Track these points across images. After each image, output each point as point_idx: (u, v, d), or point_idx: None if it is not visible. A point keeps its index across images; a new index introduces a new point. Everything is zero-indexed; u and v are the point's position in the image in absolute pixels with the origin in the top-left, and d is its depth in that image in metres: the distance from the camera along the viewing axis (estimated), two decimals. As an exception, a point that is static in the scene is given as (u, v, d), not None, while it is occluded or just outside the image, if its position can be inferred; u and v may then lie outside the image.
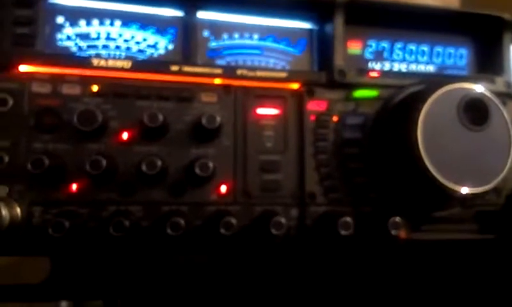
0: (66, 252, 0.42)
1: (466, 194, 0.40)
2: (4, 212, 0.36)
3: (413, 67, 0.51)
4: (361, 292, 0.60)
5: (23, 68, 0.41)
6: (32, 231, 0.39)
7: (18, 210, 0.38)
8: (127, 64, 0.42)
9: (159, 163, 0.38)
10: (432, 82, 0.42)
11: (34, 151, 0.38)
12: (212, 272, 0.60)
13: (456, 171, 0.40)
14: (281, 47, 0.48)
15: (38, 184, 0.39)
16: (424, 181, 0.40)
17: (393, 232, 0.41)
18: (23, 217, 0.38)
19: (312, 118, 0.45)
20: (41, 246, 0.40)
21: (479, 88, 0.41)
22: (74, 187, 0.39)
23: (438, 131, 0.40)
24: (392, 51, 0.51)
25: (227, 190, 0.42)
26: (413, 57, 0.51)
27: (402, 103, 0.43)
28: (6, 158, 0.38)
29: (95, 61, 0.41)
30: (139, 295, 0.52)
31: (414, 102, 0.41)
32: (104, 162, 0.37)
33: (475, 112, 0.41)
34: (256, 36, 0.48)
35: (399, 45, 0.51)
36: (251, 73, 0.44)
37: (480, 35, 0.52)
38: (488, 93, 0.42)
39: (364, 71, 0.46)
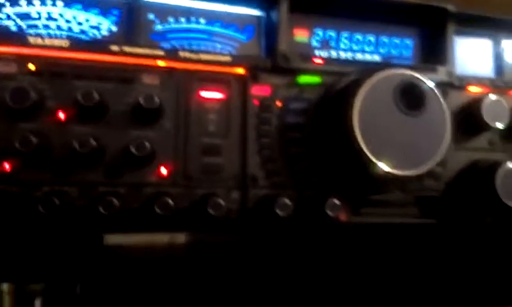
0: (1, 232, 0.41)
1: (400, 176, 0.41)
2: None
3: (359, 56, 0.52)
4: (306, 275, 0.61)
5: (-44, 44, 0.40)
6: (-38, 211, 0.38)
7: None
8: (65, 43, 0.41)
9: (93, 142, 0.38)
10: (371, 68, 0.43)
11: None
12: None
13: (391, 154, 0.41)
14: (228, 32, 0.49)
15: (-31, 163, 0.38)
16: (360, 164, 0.41)
17: (330, 213, 0.42)
18: (-47, 196, 0.38)
19: (256, 102, 0.45)
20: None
21: (415, 74, 0.43)
22: (7, 166, 0.39)
23: (374, 115, 0.41)
24: (338, 40, 0.52)
25: (168, 172, 0.42)
26: (359, 46, 0.52)
27: (342, 89, 0.44)
28: None
29: (32, 40, 0.41)
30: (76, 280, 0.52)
31: (352, 87, 0.42)
32: (35, 141, 0.37)
33: (411, 97, 0.42)
34: (203, 21, 0.48)
35: (345, 34, 0.52)
36: (194, 56, 0.44)
37: (426, 26, 0.53)
38: (424, 79, 0.43)
39: (308, 57, 0.47)
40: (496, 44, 0.57)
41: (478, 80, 0.53)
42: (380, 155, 0.40)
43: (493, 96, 0.50)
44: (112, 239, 0.67)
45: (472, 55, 0.56)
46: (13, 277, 0.49)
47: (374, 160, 0.40)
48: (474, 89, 0.53)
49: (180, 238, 0.69)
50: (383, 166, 0.40)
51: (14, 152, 0.38)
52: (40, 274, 0.49)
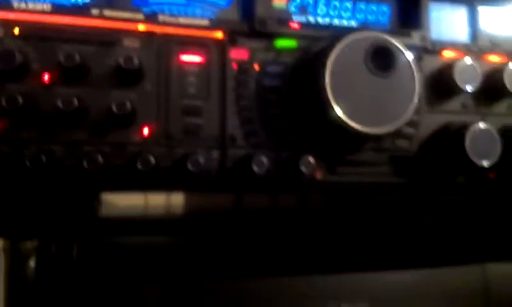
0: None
1: (369, 133, 0.43)
2: None
3: (336, 22, 0.54)
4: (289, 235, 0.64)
5: None
6: (-47, 168, 0.40)
7: None
8: (47, 7, 0.43)
9: (76, 102, 0.40)
10: (344, 31, 0.45)
11: None
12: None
13: (362, 113, 0.43)
14: (208, -2, 0.50)
15: (-42, 122, 0.40)
16: (332, 123, 0.43)
17: (305, 170, 0.45)
18: None
19: (234, 65, 0.47)
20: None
21: (385, 37, 0.44)
22: (-5, 125, 0.41)
23: (346, 76, 0.43)
24: (315, 6, 0.53)
25: (149, 132, 0.45)
26: (336, 12, 0.54)
27: (316, 52, 0.46)
28: None
29: (16, 4, 0.42)
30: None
31: (325, 49, 0.44)
32: (21, 100, 0.39)
33: (381, 59, 0.44)
34: (183, -13, 0.49)
35: (322, 0, 0.53)
36: (173, 21, 0.46)
37: (402, -8, 0.55)
38: (394, 42, 0.45)
39: (284, 22, 0.49)
40: (472, 10, 0.58)
41: (452, 45, 0.55)
42: (351, 113, 0.42)
43: (465, 61, 0.52)
44: (109, 199, 0.70)
45: (447, 21, 0.57)
46: (8, 234, 0.51)
47: (344, 118, 0.42)
48: (448, 54, 0.55)
49: (178, 198, 0.73)
50: (353, 124, 0.42)
51: (1, 112, 0.40)
52: (34, 232, 0.52)
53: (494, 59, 0.57)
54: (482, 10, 0.59)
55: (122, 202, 0.74)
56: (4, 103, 0.39)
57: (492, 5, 0.60)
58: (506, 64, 0.55)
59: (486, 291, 0.63)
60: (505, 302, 0.61)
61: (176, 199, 0.79)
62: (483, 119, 0.55)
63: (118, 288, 0.54)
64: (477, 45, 0.57)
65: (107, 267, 0.60)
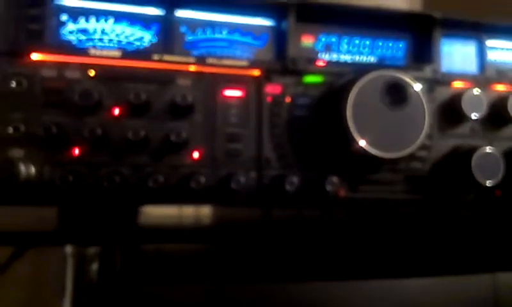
0: (71, 202, 0.52)
1: (386, 158, 0.50)
2: (22, 168, 0.46)
3: (357, 58, 0.61)
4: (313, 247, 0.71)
5: (34, 56, 0.51)
6: (43, 186, 0.49)
7: (33, 168, 0.49)
8: (117, 53, 0.52)
9: (141, 132, 0.49)
10: (364, 69, 0.52)
11: (44, 122, 0.49)
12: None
13: (380, 141, 0.51)
14: (246, 40, 0.58)
15: (48, 149, 0.49)
16: (353, 149, 0.51)
17: (329, 188, 0.52)
18: (36, 174, 0.49)
19: (269, 99, 0.55)
20: (51, 198, 0.50)
21: (399, 75, 0.52)
22: (76, 151, 0.50)
23: (365, 109, 0.51)
24: (339, 44, 0.61)
25: (199, 156, 0.53)
26: (357, 49, 0.61)
27: (339, 87, 0.53)
28: (22, 128, 0.49)
29: (92, 51, 0.52)
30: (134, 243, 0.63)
31: (347, 85, 0.51)
32: (99, 131, 0.48)
33: (396, 94, 0.51)
34: (225, 32, 0.58)
35: (345, 39, 0.61)
36: (218, 62, 0.55)
37: (415, 31, 0.62)
38: (407, 79, 0.52)
39: (312, 60, 0.57)
40: (480, 44, 0.65)
41: (462, 77, 0.62)
42: (371, 142, 0.50)
43: (472, 90, 0.59)
44: (147, 211, 0.79)
45: (457, 54, 0.64)
46: (75, 241, 0.60)
47: (365, 147, 0.50)
48: (458, 85, 0.62)
49: (205, 211, 0.82)
50: (373, 151, 0.50)
51: (83, 140, 0.49)
52: (98, 239, 0.61)
53: (500, 88, 0.64)
54: (490, 43, 0.66)
55: (158, 212, 0.84)
56: (86, 134, 0.48)
57: (499, 38, 0.66)
58: (510, 92, 0.61)
59: (495, 299, 0.68)
60: (513, 307, 0.67)
61: (205, 210, 0.88)
62: (490, 143, 0.61)
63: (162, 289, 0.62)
64: (484, 76, 0.64)
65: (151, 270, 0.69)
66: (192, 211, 0.88)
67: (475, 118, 0.58)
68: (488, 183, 0.55)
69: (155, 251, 0.80)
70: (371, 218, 0.70)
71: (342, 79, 0.54)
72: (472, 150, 0.57)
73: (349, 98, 0.50)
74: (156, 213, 0.80)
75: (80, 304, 0.61)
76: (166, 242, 0.79)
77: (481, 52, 0.65)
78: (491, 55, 0.66)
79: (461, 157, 0.58)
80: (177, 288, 0.60)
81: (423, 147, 0.57)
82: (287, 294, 0.60)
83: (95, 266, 0.61)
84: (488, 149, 0.57)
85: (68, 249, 0.60)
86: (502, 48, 0.66)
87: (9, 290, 0.81)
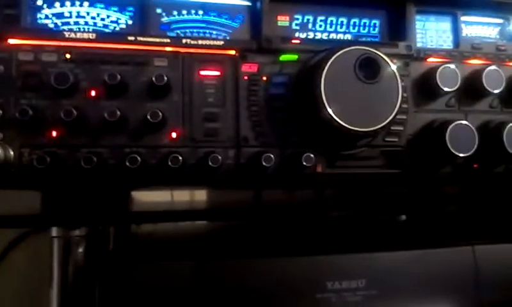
0: (51, 185, 0.53)
1: (358, 131, 0.51)
2: (0, 151, 0.47)
3: (333, 36, 0.62)
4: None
5: (11, 41, 0.51)
6: (22, 169, 0.50)
7: (11, 151, 0.49)
8: (92, 36, 0.52)
9: (118, 113, 0.50)
10: (337, 45, 0.53)
11: (21, 105, 0.49)
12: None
13: (352, 114, 0.51)
14: (222, 21, 0.59)
15: (26, 131, 0.50)
16: (327, 124, 0.52)
17: (306, 164, 0.53)
18: (15, 157, 0.50)
19: (245, 78, 0.56)
20: (31, 181, 0.51)
21: (371, 50, 0.52)
22: (54, 133, 0.50)
23: (338, 84, 0.52)
24: (315, 23, 0.61)
25: (177, 136, 0.54)
26: (333, 28, 0.62)
27: (314, 64, 0.54)
28: (0, 111, 0.49)
29: (67, 34, 0.52)
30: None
31: (320, 61, 0.52)
32: (75, 112, 0.49)
33: (368, 68, 0.52)
34: (201, 12, 0.58)
35: (321, 17, 0.62)
36: (194, 42, 0.55)
37: (390, 8, 0.63)
38: (379, 53, 0.53)
39: (287, 39, 0.57)
40: (454, 20, 0.66)
41: (436, 52, 0.63)
42: (342, 114, 0.51)
43: (446, 65, 0.60)
44: (139, 196, 0.81)
45: (432, 30, 0.65)
46: (61, 223, 0.61)
47: (335, 118, 0.50)
48: (433, 60, 0.63)
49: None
50: (344, 123, 0.50)
51: (59, 122, 0.49)
52: (83, 221, 0.62)
53: (475, 62, 0.64)
54: (465, 18, 0.67)
55: (150, 199, 0.85)
56: (62, 115, 0.49)
57: (474, 14, 0.67)
58: (485, 66, 0.62)
59: (475, 270, 0.70)
60: (492, 278, 0.68)
61: (200, 195, 0.90)
62: (466, 117, 0.63)
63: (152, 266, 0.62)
64: (459, 51, 0.65)
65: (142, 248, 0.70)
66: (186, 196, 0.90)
67: (450, 91, 0.59)
68: (462, 155, 0.56)
69: (146, 234, 0.82)
70: (352, 192, 0.72)
71: (316, 56, 0.55)
72: (447, 123, 0.58)
73: (323, 72, 0.51)
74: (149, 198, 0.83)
75: (67, 286, 0.62)
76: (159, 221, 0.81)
77: (456, 28, 0.66)
78: (466, 31, 0.66)
79: (436, 130, 0.59)
80: (164, 264, 0.61)
81: (398, 122, 0.58)
82: (269, 269, 0.61)
83: (81, 247, 0.62)
84: (462, 122, 0.58)
85: (54, 231, 0.61)
86: (477, 23, 0.67)
87: (2, 278, 0.83)
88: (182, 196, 0.91)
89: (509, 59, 0.65)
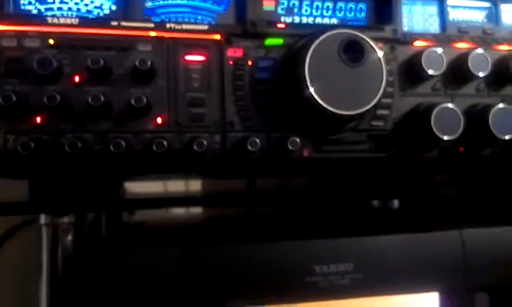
0: (37, 172, 0.53)
1: (342, 114, 0.51)
2: (-16, 138, 0.47)
3: (319, 20, 0.62)
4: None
5: (-7, 27, 0.51)
6: (8, 155, 0.50)
7: (-4, 137, 0.49)
8: (75, 21, 0.52)
9: (102, 98, 0.49)
10: (321, 29, 0.53)
11: (5, 91, 0.49)
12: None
13: (336, 97, 0.52)
14: (207, 5, 0.59)
15: (10, 118, 0.50)
16: (312, 108, 0.52)
17: (291, 148, 0.53)
18: (0, 143, 0.50)
19: (231, 62, 0.56)
20: (17, 168, 0.51)
21: (356, 33, 0.52)
22: (38, 119, 0.50)
23: (322, 67, 0.52)
24: (300, 7, 0.61)
25: (162, 121, 0.54)
26: (319, 12, 0.62)
27: (298, 47, 0.54)
28: (-16, 98, 0.49)
29: (50, 20, 0.52)
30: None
31: (305, 45, 0.52)
32: (58, 97, 0.48)
33: (352, 52, 0.52)
34: (186, -3, 0.58)
35: (306, 2, 0.61)
36: (179, 27, 0.55)
37: (376, -9, 0.63)
38: (364, 36, 0.53)
39: (272, 23, 0.57)
40: (441, 3, 0.65)
41: (422, 36, 0.63)
42: (325, 96, 0.51)
43: (432, 49, 0.60)
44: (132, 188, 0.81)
45: (418, 14, 0.65)
46: (49, 210, 0.61)
47: (317, 99, 0.51)
48: (420, 44, 0.63)
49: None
50: (326, 105, 0.51)
51: (43, 108, 0.49)
52: (71, 208, 0.62)
53: (462, 46, 0.65)
54: (452, 2, 0.67)
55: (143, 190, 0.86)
56: (45, 101, 0.48)
57: (461, -3, 0.67)
58: (471, 50, 0.62)
59: (463, 253, 0.71)
60: (478, 260, 0.69)
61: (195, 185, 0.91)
62: (452, 101, 0.63)
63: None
64: (445, 35, 0.65)
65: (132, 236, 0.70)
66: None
67: (435, 74, 0.59)
68: (446, 138, 0.57)
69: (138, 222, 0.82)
70: (345, 177, 0.73)
71: (301, 41, 0.55)
72: (432, 107, 0.58)
73: (307, 55, 0.51)
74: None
75: (57, 273, 0.63)
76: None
77: (442, 12, 0.65)
78: (453, 14, 0.66)
79: (421, 114, 0.59)
80: (152, 251, 0.61)
81: (384, 106, 0.59)
82: (258, 253, 0.62)
83: (70, 235, 0.62)
84: (447, 105, 0.58)
85: (42, 219, 0.61)
86: (464, 7, 0.67)
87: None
88: (175, 187, 0.92)
89: (496, 42, 0.66)
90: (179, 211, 0.93)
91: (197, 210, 0.95)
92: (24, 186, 0.63)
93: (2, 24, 0.51)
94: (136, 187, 0.88)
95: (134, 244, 0.63)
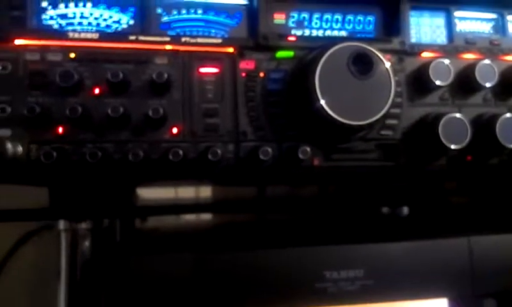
0: (58, 180, 0.55)
1: (352, 125, 0.53)
2: (9, 146, 0.49)
3: (329, 33, 0.64)
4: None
5: (18, 41, 0.54)
6: (31, 164, 0.52)
7: (20, 147, 0.52)
8: (95, 35, 0.55)
9: (121, 109, 0.52)
10: (331, 42, 0.55)
11: (29, 103, 0.51)
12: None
13: (345, 108, 0.53)
14: (220, 19, 0.61)
15: (33, 128, 0.52)
16: (322, 118, 0.54)
17: (302, 157, 0.55)
18: (23, 152, 0.52)
19: (243, 74, 0.58)
20: (39, 176, 0.54)
21: (364, 46, 0.54)
22: (60, 130, 0.53)
23: (332, 79, 0.53)
24: (310, 20, 0.63)
25: (178, 131, 0.56)
26: (329, 25, 0.64)
27: (309, 60, 0.56)
28: (9, 109, 0.52)
29: (71, 34, 0.55)
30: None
31: (315, 57, 0.54)
32: (80, 109, 0.51)
33: (361, 64, 0.54)
34: (200, 12, 0.60)
35: (316, 15, 0.63)
36: (193, 40, 0.57)
37: (384, 4, 0.64)
38: (372, 49, 0.54)
39: (283, 36, 0.59)
40: (448, 15, 0.67)
41: (430, 47, 0.64)
42: (335, 107, 0.53)
43: (439, 60, 0.61)
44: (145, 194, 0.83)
45: (426, 26, 0.66)
46: (68, 216, 0.64)
47: (328, 110, 0.52)
48: (427, 55, 0.64)
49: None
50: (336, 116, 0.52)
51: (65, 119, 0.52)
52: (89, 214, 0.64)
53: (469, 57, 0.66)
54: (458, 14, 0.68)
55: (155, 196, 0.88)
56: (67, 112, 0.51)
57: (467, 9, 0.68)
58: (478, 61, 0.64)
59: (471, 260, 0.72)
60: (486, 267, 0.70)
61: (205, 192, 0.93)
62: (460, 111, 0.64)
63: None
64: (453, 46, 0.66)
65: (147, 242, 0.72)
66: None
67: (443, 85, 0.60)
68: (454, 147, 0.58)
69: (151, 228, 0.84)
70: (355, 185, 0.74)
71: (311, 53, 0.57)
72: (440, 116, 0.60)
73: (317, 67, 0.52)
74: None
75: (75, 277, 0.65)
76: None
77: (450, 23, 0.67)
78: (460, 26, 0.68)
79: (429, 123, 0.60)
80: (166, 256, 0.63)
81: (393, 116, 0.60)
82: (269, 259, 0.63)
83: (88, 240, 0.64)
84: (455, 115, 0.60)
85: (61, 224, 0.63)
86: (471, 19, 0.69)
87: (13, 273, 0.85)
88: (186, 193, 0.94)
89: (503, 53, 0.67)
90: (190, 217, 0.95)
91: (207, 217, 0.97)
92: (38, 193, 0.65)
93: (26, 39, 0.54)
94: (148, 193, 0.90)
95: (147, 249, 0.65)
